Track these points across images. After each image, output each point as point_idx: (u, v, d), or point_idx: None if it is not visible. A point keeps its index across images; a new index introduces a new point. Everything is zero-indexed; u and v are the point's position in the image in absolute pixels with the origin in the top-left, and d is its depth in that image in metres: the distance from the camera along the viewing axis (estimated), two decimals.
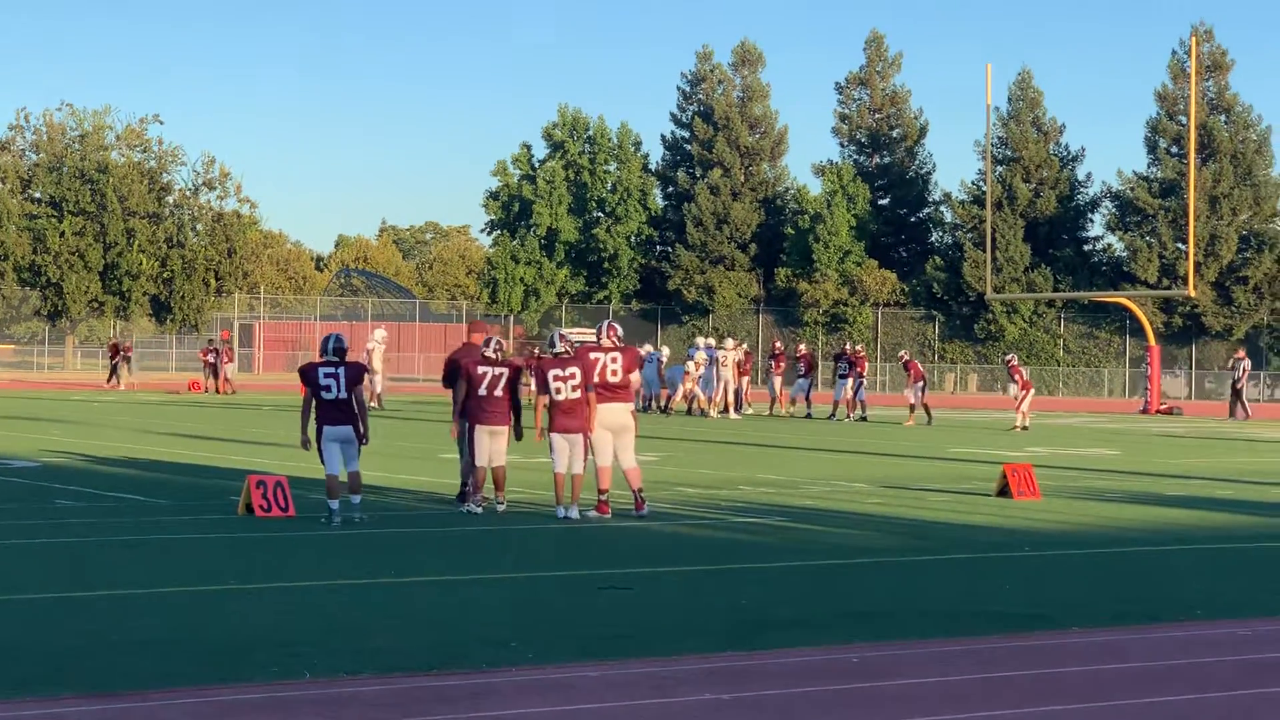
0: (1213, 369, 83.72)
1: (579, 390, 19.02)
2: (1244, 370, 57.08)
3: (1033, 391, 45.04)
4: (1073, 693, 9.48)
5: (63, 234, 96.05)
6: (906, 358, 50.03)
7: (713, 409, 49.27)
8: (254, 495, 18.46)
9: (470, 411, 19.64)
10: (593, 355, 19.05)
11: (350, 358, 18.67)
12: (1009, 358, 47.69)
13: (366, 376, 47.30)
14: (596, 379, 18.96)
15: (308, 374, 18.28)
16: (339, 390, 18.03)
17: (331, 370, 18.11)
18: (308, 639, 10.89)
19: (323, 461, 18.13)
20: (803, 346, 56.89)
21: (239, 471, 23.05)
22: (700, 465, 27.89)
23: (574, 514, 18.87)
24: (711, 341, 51.90)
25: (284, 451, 28.70)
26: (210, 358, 65.86)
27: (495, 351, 19.70)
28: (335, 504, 17.89)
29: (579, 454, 19.14)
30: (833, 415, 49.09)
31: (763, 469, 27.29)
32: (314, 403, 18.21)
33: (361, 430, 18.17)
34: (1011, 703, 9.18)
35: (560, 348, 19.46)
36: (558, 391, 19.09)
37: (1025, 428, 42.89)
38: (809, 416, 49.39)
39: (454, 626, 11.61)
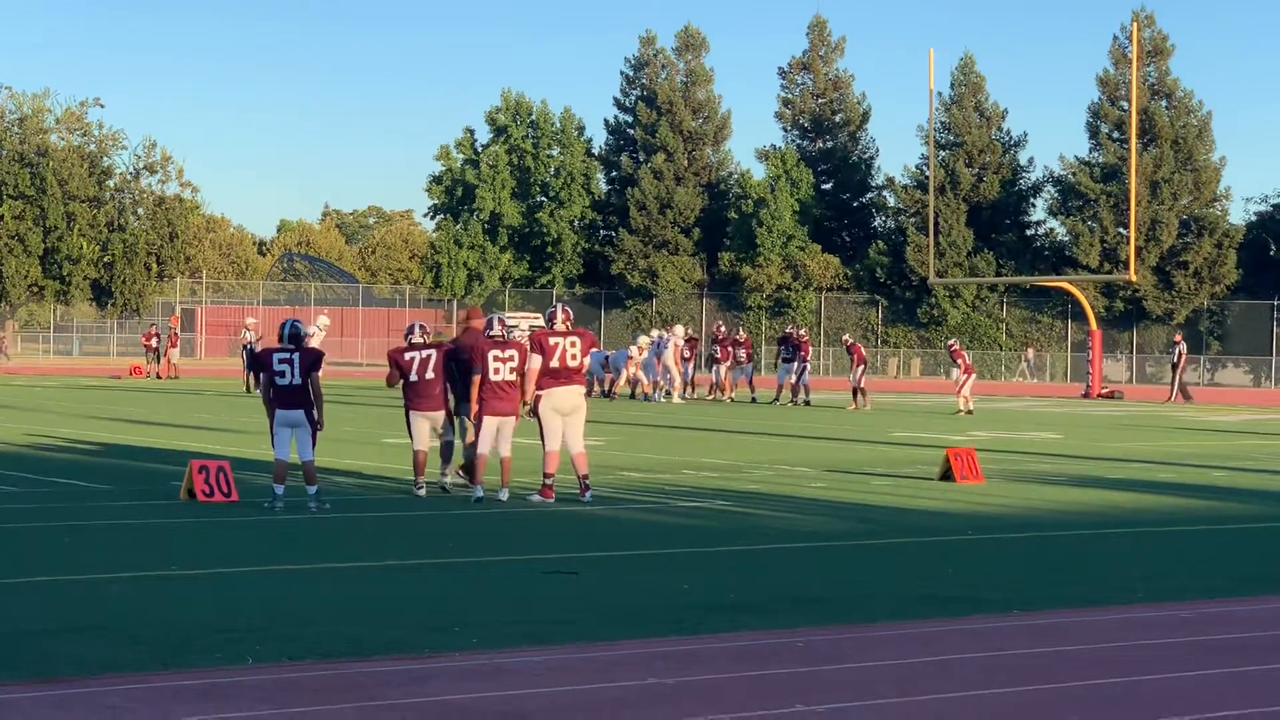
0: (1154, 353, 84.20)
1: (515, 373, 19.06)
2: (1180, 354, 57.44)
3: (974, 376, 45.19)
4: (1016, 675, 9.52)
5: (2, 218, 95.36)
6: (850, 341, 50.22)
7: (658, 393, 49.33)
8: (196, 480, 18.39)
9: (406, 398, 19.73)
10: (552, 340, 18.97)
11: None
12: (951, 343, 47.87)
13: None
14: (556, 362, 18.88)
15: (263, 359, 18.23)
16: (293, 376, 17.93)
17: (286, 356, 18.02)
18: (250, 625, 10.85)
19: (275, 445, 18.09)
20: (743, 332, 57.00)
21: (181, 456, 22.99)
22: (644, 449, 27.90)
23: (503, 496, 18.92)
24: (664, 333, 51.62)
25: (227, 436, 28.61)
26: (153, 342, 65.59)
27: (421, 336, 19.82)
28: (279, 488, 17.84)
29: (507, 436, 19.21)
30: (775, 399, 49.16)
31: (706, 453, 27.32)
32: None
33: (316, 417, 18.05)
34: (955, 685, 9.22)
35: (496, 330, 19.50)
36: (495, 372, 19.06)
37: (970, 411, 43.03)
38: (753, 401, 49.56)
39: (397, 612, 11.58)
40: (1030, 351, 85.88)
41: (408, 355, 19.62)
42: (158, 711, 8.30)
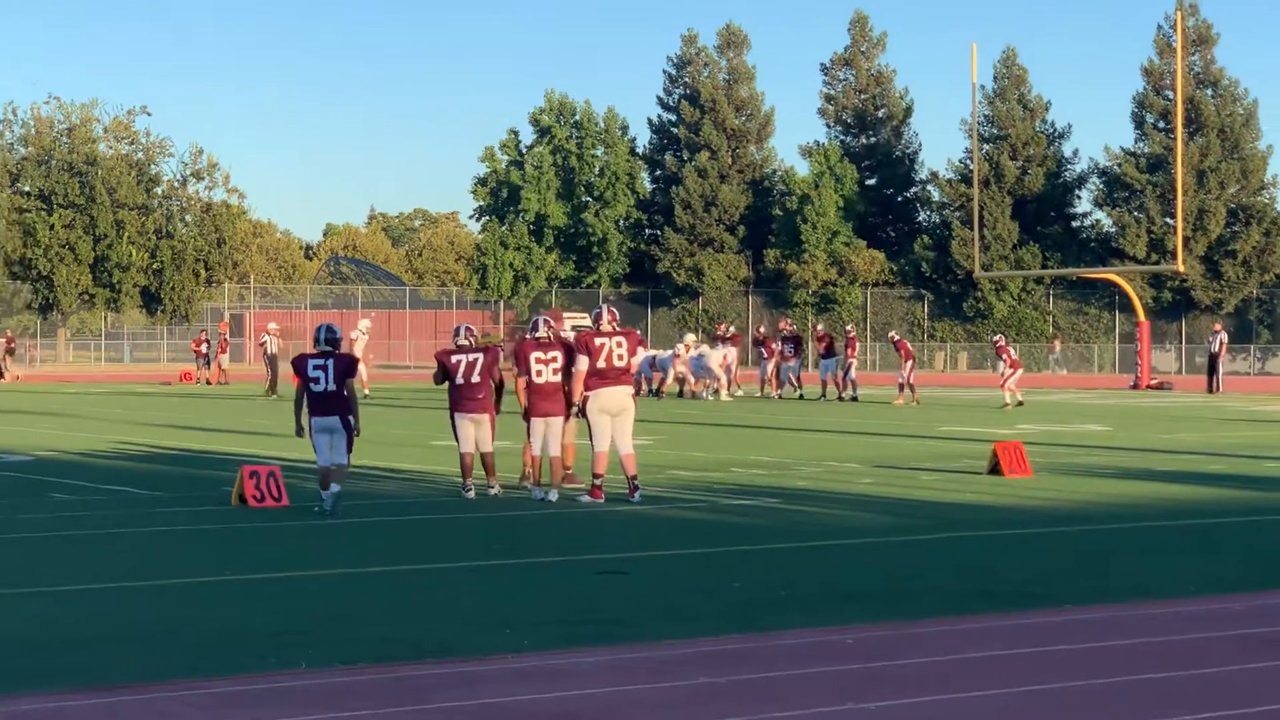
0: (1202, 343, 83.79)
1: (559, 374, 19.19)
2: (1221, 344, 57.14)
3: (1021, 370, 45.13)
4: (1066, 670, 9.51)
5: (52, 227, 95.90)
6: (896, 338, 50.22)
7: (706, 391, 49.35)
8: (247, 485, 18.48)
9: (451, 400, 19.77)
10: (598, 340, 19.04)
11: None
12: (996, 338, 47.77)
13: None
14: (603, 363, 18.95)
15: (298, 365, 18.25)
16: (327, 382, 17.95)
17: (321, 362, 18.03)
18: (303, 629, 10.91)
19: (315, 451, 18.19)
20: (789, 325, 56.96)
21: (232, 461, 23.10)
22: (693, 448, 27.92)
23: (552, 496, 19.05)
24: (705, 349, 51.44)
25: (276, 440, 28.72)
26: (203, 348, 65.88)
27: (468, 338, 19.87)
28: (326, 494, 17.91)
29: (556, 435, 19.36)
30: (822, 395, 49.30)
31: (755, 451, 27.32)
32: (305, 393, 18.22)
33: (352, 422, 18.07)
34: (1005, 681, 9.22)
35: (542, 331, 19.64)
36: (538, 374, 19.25)
37: (1020, 403, 43.01)
38: (800, 397, 49.58)
39: (448, 614, 11.64)
40: (1057, 344, 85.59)
41: (454, 358, 19.67)
42: (212, 717, 8.37)
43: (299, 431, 18.50)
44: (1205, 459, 25.78)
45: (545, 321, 19.94)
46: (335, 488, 17.83)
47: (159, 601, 12.25)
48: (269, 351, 52.95)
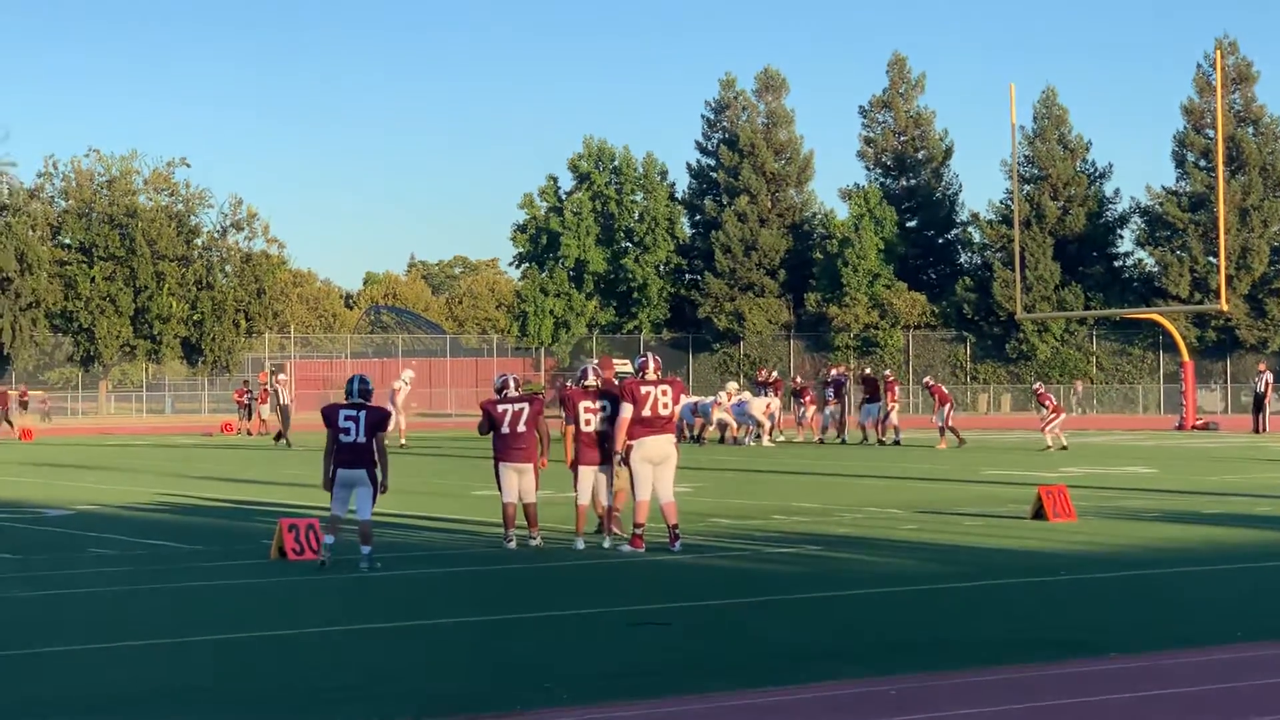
0: (1248, 382, 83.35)
1: (607, 423, 19.20)
2: (1266, 384, 56.84)
3: (1063, 415, 45.06)
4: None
5: (93, 279, 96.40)
6: (930, 382, 50.29)
7: (747, 437, 49.24)
8: (286, 539, 18.40)
9: (496, 450, 19.69)
10: (643, 389, 18.99)
11: (376, 400, 18.56)
12: (1036, 386, 47.86)
13: (394, 416, 49.18)
14: (648, 411, 18.91)
15: (329, 415, 18.06)
16: (358, 434, 17.78)
17: (352, 413, 17.87)
18: (341, 684, 10.82)
19: (332, 500, 18.00)
20: (834, 371, 57.04)
21: (272, 514, 23.05)
22: (734, 495, 27.79)
23: (606, 544, 19.01)
24: (742, 398, 51.49)
25: (315, 492, 28.65)
26: (245, 399, 66.06)
27: (516, 389, 19.82)
28: (330, 539, 17.70)
29: (603, 484, 19.36)
30: (864, 439, 49.34)
31: (797, 497, 27.17)
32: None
33: (381, 478, 17.89)
34: None
35: (590, 380, 19.63)
36: (587, 423, 19.25)
37: (1064, 447, 42.85)
38: (842, 442, 49.51)
39: (489, 668, 11.53)
40: (1079, 385, 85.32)
41: (500, 407, 19.61)
42: None
43: (327, 485, 18.18)
44: (1251, 501, 25.56)
45: (594, 370, 19.93)
46: (367, 549, 17.62)
47: (196, 658, 12.17)
48: (282, 401, 53.36)
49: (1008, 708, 9.83)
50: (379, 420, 17.94)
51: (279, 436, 52.31)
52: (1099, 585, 16.00)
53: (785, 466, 36.95)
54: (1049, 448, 42.72)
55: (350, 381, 18.41)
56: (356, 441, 17.79)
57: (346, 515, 18.04)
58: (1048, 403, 44.47)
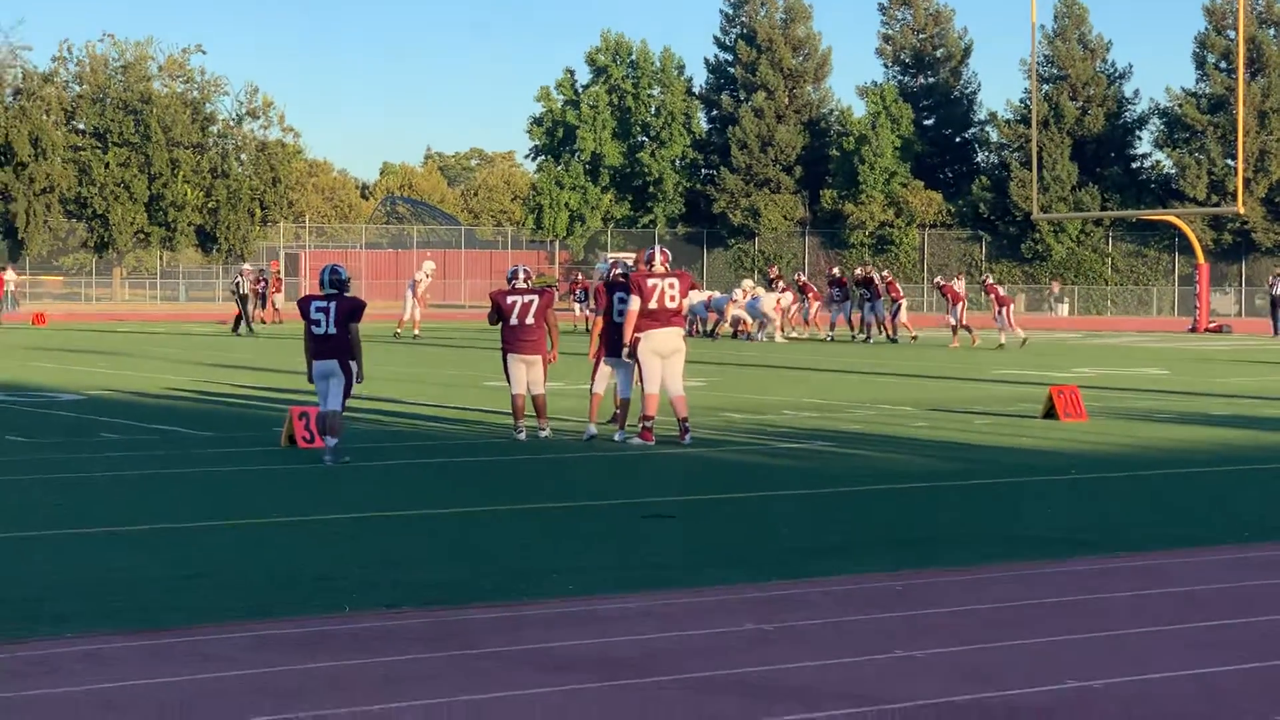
0: (1262, 286, 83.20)
1: (619, 316, 19.31)
2: None
3: (1013, 305, 46.04)
4: (1118, 618, 9.38)
5: (107, 165, 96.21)
6: (941, 282, 50.45)
7: (760, 332, 49.37)
8: (296, 427, 18.42)
9: (504, 341, 19.69)
10: (650, 281, 18.94)
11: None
12: (985, 277, 48.97)
13: (410, 306, 49.43)
14: (654, 304, 18.87)
15: (302, 306, 17.63)
16: (328, 325, 17.27)
17: (323, 304, 17.37)
18: (348, 572, 10.85)
19: (318, 396, 17.67)
20: (836, 270, 57.52)
21: (283, 402, 23.08)
22: (745, 390, 27.81)
23: (616, 437, 19.10)
24: (761, 292, 51.76)
25: None
26: (259, 287, 66.11)
27: (525, 280, 19.79)
28: (331, 441, 17.26)
29: (620, 376, 19.51)
30: (866, 338, 49.71)
31: (808, 393, 27.20)
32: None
33: (356, 369, 17.36)
34: (1055, 629, 9.09)
35: (618, 271, 19.90)
36: (620, 314, 19.23)
37: (1001, 345, 43.98)
38: (853, 339, 49.64)
39: (495, 558, 11.56)
40: (1056, 285, 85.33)
41: (509, 299, 19.56)
42: (255, 660, 8.30)
43: (310, 377, 17.71)
44: (1262, 403, 25.55)
45: (617, 262, 20.21)
46: (332, 440, 17.12)
47: (203, 543, 12.21)
48: (240, 291, 54.66)
49: (1011, 604, 9.85)
50: (351, 310, 17.37)
51: (236, 326, 54.52)
52: (1107, 485, 16.00)
53: (797, 363, 36.96)
54: (1025, 339, 43.71)
55: (323, 271, 17.93)
56: (328, 333, 17.28)
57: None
58: (994, 294, 45.37)
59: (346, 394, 17.42)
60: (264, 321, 63.61)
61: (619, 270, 20.03)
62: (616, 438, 19.17)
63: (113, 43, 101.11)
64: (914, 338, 49.21)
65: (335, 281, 17.63)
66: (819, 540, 12.32)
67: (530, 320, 19.50)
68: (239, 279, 56.31)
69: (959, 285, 51.78)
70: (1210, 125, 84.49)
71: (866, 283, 50.58)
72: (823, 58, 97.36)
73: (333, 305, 17.39)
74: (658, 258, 19.35)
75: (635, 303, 18.85)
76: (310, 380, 17.71)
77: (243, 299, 54.96)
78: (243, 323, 54.40)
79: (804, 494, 15.12)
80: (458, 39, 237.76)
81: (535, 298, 19.60)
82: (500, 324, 19.71)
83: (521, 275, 19.88)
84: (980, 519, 13.56)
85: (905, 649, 8.59)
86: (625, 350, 19.10)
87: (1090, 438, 19.84)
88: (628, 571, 10.95)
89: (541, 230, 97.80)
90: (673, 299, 19.00)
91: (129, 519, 13.34)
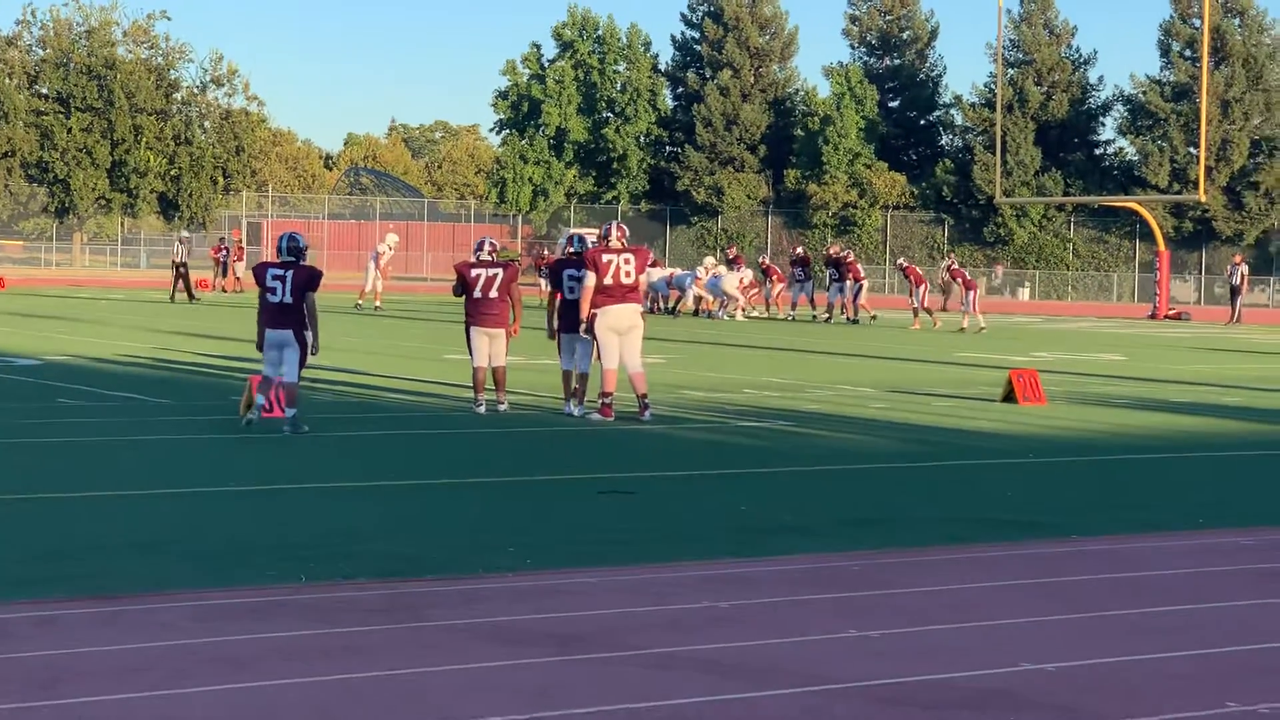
0: (1222, 274, 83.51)
1: (572, 292, 19.27)
2: (1242, 275, 57.23)
3: (978, 291, 45.96)
4: (1073, 602, 9.41)
5: (70, 130, 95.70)
6: (904, 263, 50.54)
7: (722, 311, 49.44)
8: (255, 396, 18.35)
9: (467, 313, 19.65)
10: (605, 257, 18.91)
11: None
12: (948, 261, 48.86)
13: (371, 278, 49.39)
14: (610, 280, 18.83)
15: (258, 274, 17.49)
16: (284, 294, 17.14)
17: (280, 272, 17.24)
18: (304, 542, 10.83)
19: (264, 363, 17.54)
20: (800, 249, 57.69)
21: (242, 371, 23.02)
22: (705, 368, 27.82)
23: (575, 412, 19.10)
24: (722, 270, 51.87)
25: None
26: (220, 255, 65.95)
27: (490, 253, 19.74)
28: (260, 399, 17.27)
29: (578, 352, 19.39)
30: (828, 318, 49.67)
31: (768, 372, 27.22)
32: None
33: (311, 339, 17.24)
34: (1010, 612, 9.12)
35: (573, 248, 19.80)
36: (571, 290, 19.20)
37: (962, 329, 43.89)
38: (814, 319, 49.72)
39: (450, 531, 11.55)
40: (999, 269, 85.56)
41: (474, 271, 19.52)
42: (209, 629, 8.28)
43: (260, 345, 17.55)
44: (1220, 391, 25.65)
45: (579, 238, 20.11)
46: (291, 411, 17.05)
47: (160, 511, 12.18)
48: (178, 259, 54.83)
49: (967, 586, 9.87)
50: (307, 279, 17.24)
51: (173, 296, 54.61)
52: (1064, 469, 16.06)
53: (758, 342, 36.99)
54: (983, 329, 43.64)
55: (281, 239, 17.73)
56: (283, 301, 17.15)
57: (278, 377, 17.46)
58: (960, 279, 45.33)
59: (301, 364, 17.33)
60: (225, 290, 63.43)
61: (572, 249, 19.96)
62: (576, 412, 19.17)
63: (77, 7, 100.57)
64: (873, 318, 49.41)
65: (293, 249, 17.48)
66: (776, 519, 12.32)
67: (494, 294, 19.47)
68: (177, 245, 56.16)
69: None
70: (1173, 113, 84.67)
71: (836, 263, 50.56)
72: (789, 37, 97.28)
73: (289, 274, 17.24)
74: (614, 233, 19.29)
75: (591, 279, 18.82)
76: (259, 348, 17.55)
77: (180, 267, 54.74)
78: (177, 291, 54.25)
79: (762, 473, 15.13)
80: (424, 11, 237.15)
81: (500, 271, 19.57)
82: (464, 296, 19.68)
83: (487, 248, 19.83)
84: (937, 501, 13.59)
85: (860, 629, 8.60)
86: (582, 326, 19.05)
87: (1048, 422, 19.90)
88: (584, 547, 10.94)
89: (505, 204, 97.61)
90: (629, 275, 18.96)
91: (85, 485, 13.30)
